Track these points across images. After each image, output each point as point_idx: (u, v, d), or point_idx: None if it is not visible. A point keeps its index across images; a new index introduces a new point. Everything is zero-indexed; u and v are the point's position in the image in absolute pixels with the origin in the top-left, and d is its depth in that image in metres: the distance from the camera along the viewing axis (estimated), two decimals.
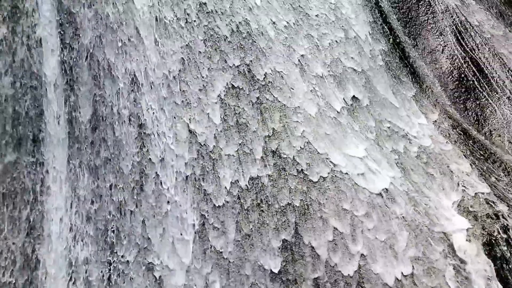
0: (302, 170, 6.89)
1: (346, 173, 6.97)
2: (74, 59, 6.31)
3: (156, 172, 6.38)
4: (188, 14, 7.51)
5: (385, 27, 9.44)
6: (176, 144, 6.64)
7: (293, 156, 6.94)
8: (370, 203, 6.78)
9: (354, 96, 8.21)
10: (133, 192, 6.21)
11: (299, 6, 8.76)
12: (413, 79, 8.97)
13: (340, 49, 8.63)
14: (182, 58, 7.18)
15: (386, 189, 7.00)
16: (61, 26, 6.30)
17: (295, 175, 6.83)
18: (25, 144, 5.58)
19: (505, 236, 6.87)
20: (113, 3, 6.78)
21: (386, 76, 8.81)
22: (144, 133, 6.51)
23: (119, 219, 6.05)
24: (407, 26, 9.84)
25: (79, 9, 6.47)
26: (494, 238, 6.83)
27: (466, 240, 6.75)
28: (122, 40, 6.72)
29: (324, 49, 8.48)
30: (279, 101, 7.40)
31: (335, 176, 6.93)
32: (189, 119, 6.85)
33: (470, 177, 7.65)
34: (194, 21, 7.49)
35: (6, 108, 5.50)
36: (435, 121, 8.45)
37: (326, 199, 6.71)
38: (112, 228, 6.02)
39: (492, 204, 7.23)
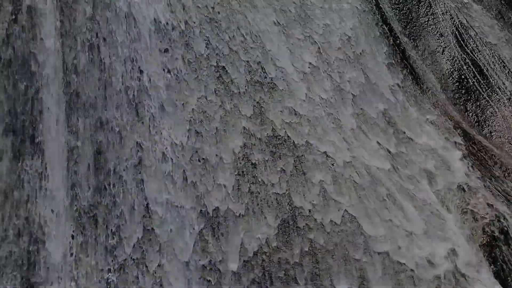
0: (316, 221, 6.51)
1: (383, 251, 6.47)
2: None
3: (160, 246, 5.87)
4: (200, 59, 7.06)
5: (386, 28, 9.45)
6: (184, 215, 6.12)
7: (309, 210, 6.52)
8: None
9: (383, 144, 7.74)
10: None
11: (320, 42, 8.38)
12: (414, 81, 8.98)
13: (360, 89, 8.25)
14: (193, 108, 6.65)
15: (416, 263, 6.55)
16: None
17: (307, 225, 6.47)
18: None
19: (504, 237, 6.90)
20: None
21: (408, 107, 8.46)
22: (149, 211, 5.94)
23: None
24: (408, 27, 9.86)
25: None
26: (494, 239, 6.86)
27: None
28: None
29: (346, 92, 8.09)
30: (296, 145, 6.97)
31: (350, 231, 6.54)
32: (200, 193, 6.28)
33: (471, 179, 7.66)
34: (206, 66, 7.03)
35: None
36: (446, 137, 8.27)
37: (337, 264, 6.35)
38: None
39: (492, 205, 7.25)
